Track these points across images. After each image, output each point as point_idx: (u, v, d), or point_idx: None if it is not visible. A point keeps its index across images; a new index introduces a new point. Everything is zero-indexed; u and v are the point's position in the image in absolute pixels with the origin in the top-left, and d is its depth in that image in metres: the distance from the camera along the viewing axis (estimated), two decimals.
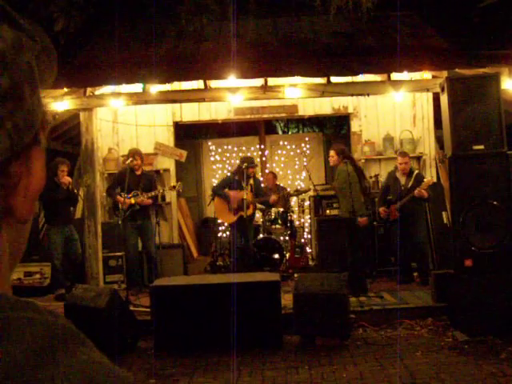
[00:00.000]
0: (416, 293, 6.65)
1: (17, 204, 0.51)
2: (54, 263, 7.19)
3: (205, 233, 10.48)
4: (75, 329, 0.49)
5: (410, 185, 7.15)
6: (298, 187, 9.93)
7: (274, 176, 9.11)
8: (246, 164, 7.57)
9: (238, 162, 8.53)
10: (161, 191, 7.58)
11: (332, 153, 6.79)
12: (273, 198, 7.97)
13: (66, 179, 7.18)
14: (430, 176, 8.10)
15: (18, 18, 0.51)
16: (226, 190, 7.89)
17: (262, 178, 9.50)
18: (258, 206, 8.38)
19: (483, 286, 5.25)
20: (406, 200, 7.06)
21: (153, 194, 7.32)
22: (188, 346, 5.22)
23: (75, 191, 7.47)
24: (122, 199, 6.99)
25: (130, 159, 7.17)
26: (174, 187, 7.57)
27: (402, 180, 7.26)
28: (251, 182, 7.77)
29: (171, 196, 8.87)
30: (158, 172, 8.84)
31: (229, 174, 8.54)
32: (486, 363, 4.55)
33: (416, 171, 7.33)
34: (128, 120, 8.88)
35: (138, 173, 7.37)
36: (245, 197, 7.48)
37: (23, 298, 0.48)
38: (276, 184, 9.02)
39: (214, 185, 8.77)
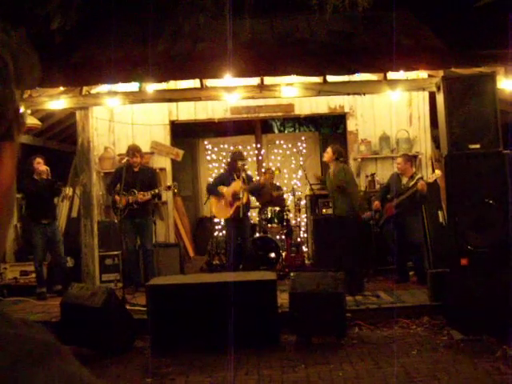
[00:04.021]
0: (412, 292, 6.66)
1: None
2: (35, 263, 7.18)
3: (201, 232, 10.48)
4: (52, 340, 0.47)
5: (410, 185, 7.19)
6: (294, 186, 9.96)
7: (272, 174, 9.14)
8: (238, 161, 7.70)
9: (228, 159, 8.56)
10: (156, 191, 7.39)
11: (329, 149, 7.14)
12: (261, 179, 8.39)
13: (43, 167, 7.13)
14: (426, 175, 8.11)
15: None
16: (221, 186, 7.86)
17: (258, 177, 9.50)
18: (254, 204, 8.41)
19: (479, 284, 5.26)
20: (405, 197, 7.09)
21: (150, 193, 7.15)
22: (184, 344, 5.22)
23: (57, 182, 7.29)
24: (119, 198, 6.96)
25: (127, 158, 7.13)
26: (170, 187, 7.45)
27: (404, 180, 7.33)
28: (243, 175, 7.76)
29: (167, 195, 8.86)
30: None
31: (222, 171, 8.59)
32: (482, 361, 4.56)
33: (419, 175, 7.39)
34: (124, 119, 8.86)
35: (136, 170, 7.30)
36: (239, 187, 7.53)
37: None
38: (272, 183, 9.02)
39: (209, 183, 8.73)
